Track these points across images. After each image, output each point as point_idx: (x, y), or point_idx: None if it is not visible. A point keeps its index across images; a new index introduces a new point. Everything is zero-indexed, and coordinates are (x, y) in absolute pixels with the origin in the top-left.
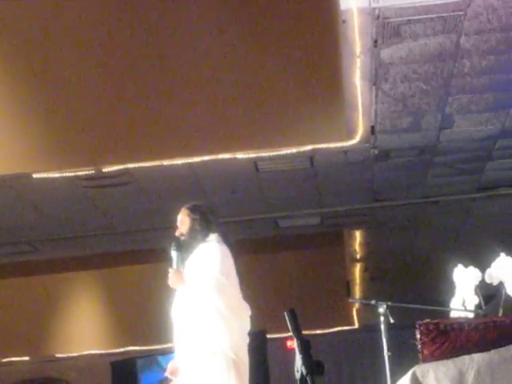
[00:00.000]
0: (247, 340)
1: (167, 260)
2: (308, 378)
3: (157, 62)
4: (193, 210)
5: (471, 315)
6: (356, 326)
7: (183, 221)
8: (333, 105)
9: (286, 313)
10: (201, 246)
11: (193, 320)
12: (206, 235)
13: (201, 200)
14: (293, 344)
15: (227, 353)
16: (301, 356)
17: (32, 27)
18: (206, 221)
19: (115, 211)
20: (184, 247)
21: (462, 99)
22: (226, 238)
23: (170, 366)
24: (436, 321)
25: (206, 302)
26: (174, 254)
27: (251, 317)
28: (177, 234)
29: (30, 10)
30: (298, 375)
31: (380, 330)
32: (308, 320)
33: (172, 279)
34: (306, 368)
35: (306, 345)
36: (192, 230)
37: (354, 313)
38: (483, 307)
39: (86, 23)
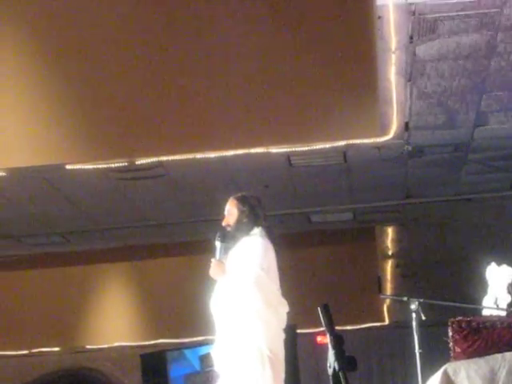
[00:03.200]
0: (283, 336)
1: (199, 253)
2: (341, 374)
3: (192, 54)
4: (242, 201)
5: (504, 313)
6: (387, 322)
7: (231, 211)
8: (367, 100)
9: (319, 308)
10: (244, 239)
11: (231, 314)
12: (252, 228)
13: (233, 193)
14: (323, 339)
15: (263, 349)
16: (334, 351)
17: (65, 25)
18: (253, 214)
19: (148, 204)
20: (228, 238)
21: (496, 96)
22: (270, 233)
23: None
24: (468, 319)
25: (244, 297)
26: (218, 244)
27: (288, 313)
28: (223, 223)
29: (63, 10)
30: (330, 371)
31: (411, 327)
32: (338, 315)
33: (214, 269)
34: (339, 363)
35: (339, 340)
36: (239, 222)
37: (385, 309)
38: None
39: (117, 20)
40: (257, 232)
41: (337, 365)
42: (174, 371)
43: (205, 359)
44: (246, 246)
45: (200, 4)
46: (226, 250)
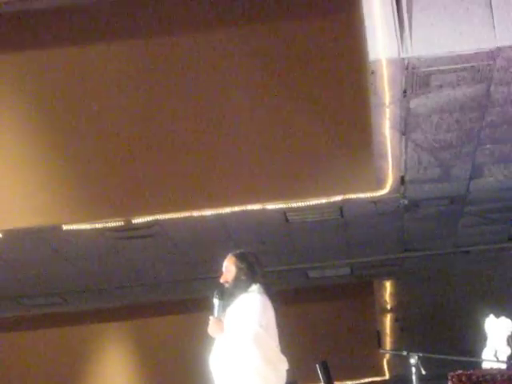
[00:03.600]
0: None
1: (198, 310)
2: None
3: (186, 112)
4: (240, 258)
5: (503, 366)
6: (387, 376)
7: (229, 268)
8: (362, 155)
9: (317, 365)
10: (242, 296)
11: (230, 372)
12: (250, 285)
13: (230, 250)
14: None
15: None
16: None
17: (60, 81)
18: (251, 271)
19: (145, 262)
20: (226, 295)
21: (491, 149)
22: (268, 289)
23: None
24: (468, 372)
25: (243, 355)
26: (215, 301)
27: (287, 370)
28: (221, 280)
29: (59, 59)
30: None
31: (411, 381)
32: (338, 370)
33: (212, 327)
34: None
35: None
36: (237, 278)
37: (385, 363)
38: None
39: (111, 75)
40: (255, 289)
41: None
42: None
43: None
44: (244, 303)
45: (198, 62)
46: (224, 308)
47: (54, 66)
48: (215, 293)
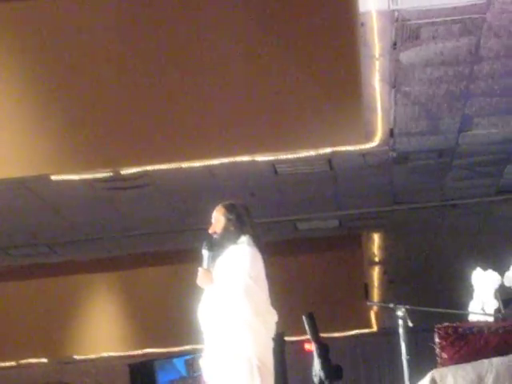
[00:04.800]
0: (272, 345)
1: (186, 262)
2: (326, 383)
3: (175, 63)
4: (229, 209)
5: (490, 319)
6: (374, 329)
7: (218, 219)
8: (352, 107)
9: (304, 317)
10: (232, 248)
11: (219, 324)
12: (239, 237)
13: (219, 202)
14: (310, 346)
15: (252, 359)
16: (319, 360)
17: (49, 34)
18: (240, 222)
19: (133, 213)
20: (215, 246)
21: (481, 102)
22: (257, 241)
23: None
24: (455, 324)
25: (232, 307)
26: (205, 252)
27: (277, 322)
28: (210, 231)
29: (52, 17)
30: (316, 379)
31: (398, 334)
32: (325, 323)
33: (201, 278)
34: (325, 372)
35: (324, 349)
36: (226, 230)
37: (372, 316)
38: (502, 311)
39: (103, 30)
40: (244, 240)
41: (322, 374)
42: (162, 379)
43: (191, 364)
44: (233, 255)
45: (187, 16)
46: (213, 259)
47: (41, 15)
48: (204, 244)
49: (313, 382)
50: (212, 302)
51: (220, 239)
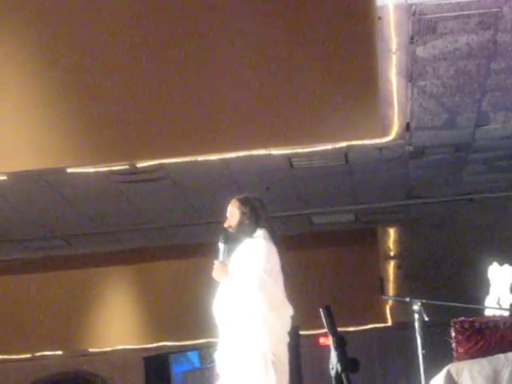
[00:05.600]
0: (287, 339)
1: (201, 255)
2: (343, 376)
3: (193, 57)
4: (244, 202)
5: (506, 313)
6: (389, 323)
7: (233, 213)
8: (368, 101)
9: (321, 309)
10: (247, 241)
11: (234, 318)
12: (254, 230)
13: (235, 195)
14: (325, 341)
15: (267, 354)
16: (336, 353)
17: (66, 28)
18: (255, 216)
19: (149, 206)
20: (231, 240)
21: (497, 96)
22: (273, 234)
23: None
24: (471, 319)
25: (248, 301)
26: (221, 246)
27: (292, 316)
28: (225, 225)
29: (65, 13)
30: (333, 372)
31: (414, 328)
32: (341, 317)
33: (216, 271)
34: (342, 365)
35: (341, 342)
36: (241, 223)
37: (387, 310)
38: None
39: (120, 24)
40: (260, 234)
41: (339, 366)
42: (175, 370)
43: (204, 356)
44: (249, 248)
45: (202, 8)
46: (228, 252)
47: (55, 5)
48: (220, 237)
49: (329, 374)
50: (227, 295)
51: (235, 233)
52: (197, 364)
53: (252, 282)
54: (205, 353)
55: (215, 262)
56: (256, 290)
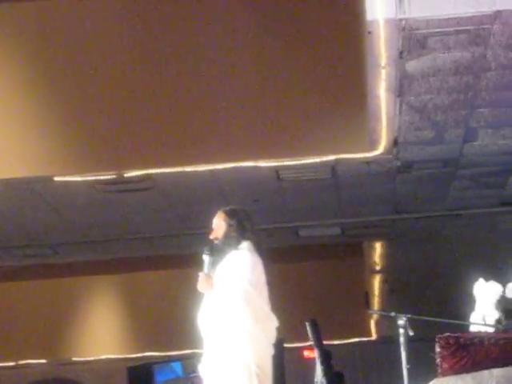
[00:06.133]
0: (272, 352)
1: (187, 266)
2: None
3: (181, 69)
4: (230, 215)
5: (491, 330)
6: (374, 337)
7: (219, 225)
8: (356, 115)
9: (307, 322)
10: (232, 253)
11: (218, 330)
12: (240, 242)
13: (222, 207)
14: (309, 354)
15: (251, 366)
16: (322, 367)
17: (55, 36)
18: (241, 228)
19: (136, 216)
20: (216, 252)
21: (486, 113)
22: (258, 246)
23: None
24: (456, 335)
25: (232, 313)
26: (205, 257)
27: (277, 328)
28: (211, 237)
29: (59, 16)
30: None
31: (399, 342)
32: (325, 330)
33: (201, 283)
34: (327, 379)
35: (327, 355)
36: (227, 236)
37: (372, 324)
38: (503, 322)
39: (108, 33)
40: (245, 246)
41: (324, 380)
42: (157, 379)
43: (187, 365)
44: (234, 260)
45: (194, 21)
46: (213, 264)
47: (46, 13)
48: (205, 249)
49: None
50: (212, 307)
51: (221, 245)
52: (180, 373)
53: (237, 295)
54: (188, 363)
55: (200, 273)
56: (241, 302)
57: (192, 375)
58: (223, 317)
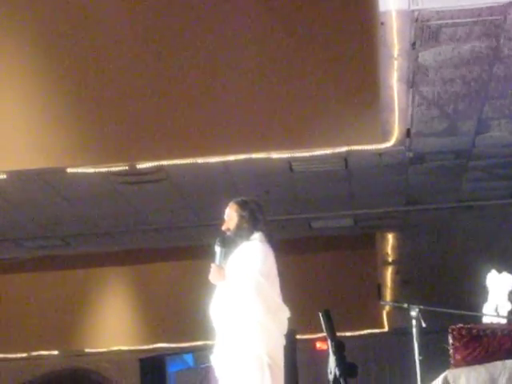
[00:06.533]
0: (283, 342)
1: (200, 257)
2: (341, 380)
3: (193, 59)
4: (242, 206)
5: (504, 321)
6: (386, 328)
7: (231, 216)
8: (369, 107)
9: (320, 313)
10: (244, 244)
11: (230, 321)
12: (251, 233)
13: (234, 198)
14: (322, 345)
15: (262, 357)
16: (335, 357)
17: (65, 27)
18: (253, 219)
19: (148, 208)
20: (228, 243)
21: (498, 104)
22: (270, 237)
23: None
24: (469, 326)
25: (244, 303)
26: (217, 249)
27: (289, 318)
28: (223, 228)
29: (63, 14)
30: (331, 376)
31: (411, 334)
32: (338, 321)
33: (213, 274)
34: (340, 370)
35: (340, 346)
36: (239, 227)
37: (385, 316)
38: None
39: (118, 25)
40: (257, 237)
41: (338, 371)
42: (169, 369)
43: (198, 356)
44: (245, 251)
45: (202, 10)
46: (225, 255)
47: (57, 6)
48: (217, 240)
49: (325, 379)
50: (224, 298)
51: (233, 236)
52: (191, 364)
53: (249, 285)
54: (199, 354)
55: (212, 265)
56: (253, 293)
57: (203, 366)
58: (235, 308)
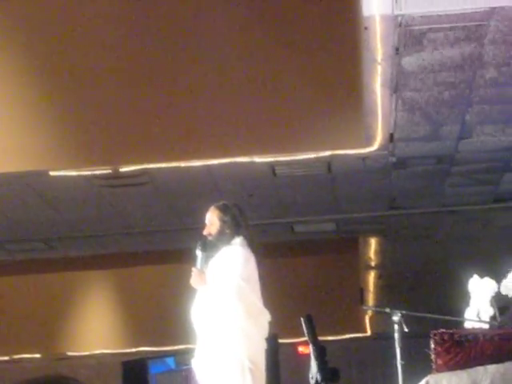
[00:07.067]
0: (265, 346)
1: (182, 261)
2: None
3: (176, 63)
4: (224, 211)
5: (486, 326)
6: (368, 333)
7: (212, 221)
8: (352, 111)
9: (302, 318)
10: (225, 249)
11: (211, 325)
12: (233, 238)
13: (213, 203)
14: (304, 349)
15: (244, 361)
16: (317, 362)
17: (52, 26)
18: (235, 224)
19: (131, 211)
20: (209, 247)
21: (481, 109)
22: (251, 242)
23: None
24: (451, 331)
25: (225, 308)
26: (198, 253)
27: (270, 322)
28: (205, 232)
29: (52, 9)
30: (312, 382)
31: (393, 338)
32: (320, 326)
33: (194, 279)
34: (322, 375)
35: (321, 351)
36: (220, 232)
37: (367, 320)
38: (498, 318)
39: (103, 27)
40: (238, 241)
41: (319, 376)
42: (150, 371)
43: (179, 359)
44: (226, 256)
45: (189, 14)
46: (206, 260)
47: (42, 10)
48: (198, 244)
49: (308, 383)
50: (205, 303)
51: (214, 240)
52: (172, 366)
53: (229, 290)
54: (181, 357)
55: (193, 269)
56: (233, 297)
57: (184, 368)
58: (216, 312)
